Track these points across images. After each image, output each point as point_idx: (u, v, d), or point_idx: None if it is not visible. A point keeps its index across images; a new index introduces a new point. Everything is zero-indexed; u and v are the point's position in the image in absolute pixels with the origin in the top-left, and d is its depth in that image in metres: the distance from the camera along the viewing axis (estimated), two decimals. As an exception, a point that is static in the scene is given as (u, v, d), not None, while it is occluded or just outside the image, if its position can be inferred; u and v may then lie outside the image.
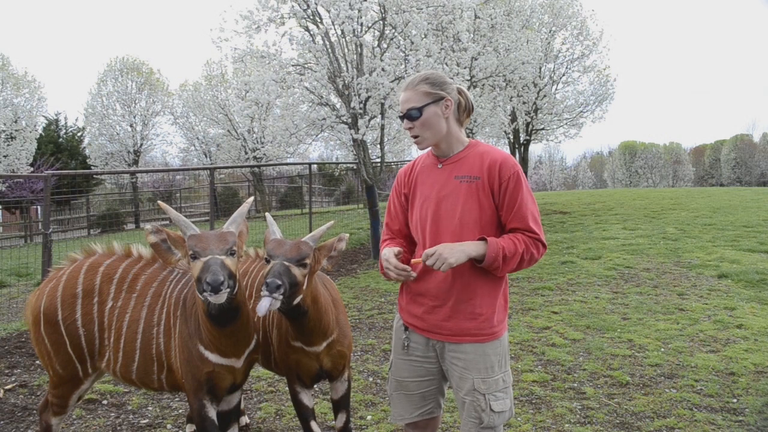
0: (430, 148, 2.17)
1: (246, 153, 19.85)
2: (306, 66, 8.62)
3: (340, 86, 8.43)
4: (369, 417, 3.61)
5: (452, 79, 2.14)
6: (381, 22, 8.44)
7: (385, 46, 8.63)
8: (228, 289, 2.14)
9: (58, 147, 25.04)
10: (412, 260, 2.12)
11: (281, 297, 2.11)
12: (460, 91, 2.12)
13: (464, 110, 2.14)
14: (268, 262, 2.26)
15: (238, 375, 2.56)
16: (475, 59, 10.70)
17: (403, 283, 2.21)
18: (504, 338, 2.11)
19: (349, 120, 8.58)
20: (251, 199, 2.84)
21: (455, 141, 2.12)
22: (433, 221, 2.11)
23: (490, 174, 2.02)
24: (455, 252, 1.95)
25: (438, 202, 2.09)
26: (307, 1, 8.11)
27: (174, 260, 2.41)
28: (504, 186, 2.00)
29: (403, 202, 2.25)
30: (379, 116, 8.72)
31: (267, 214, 2.71)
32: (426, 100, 2.04)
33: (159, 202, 2.59)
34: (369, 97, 8.37)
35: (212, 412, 2.54)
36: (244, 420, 3.58)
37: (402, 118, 2.11)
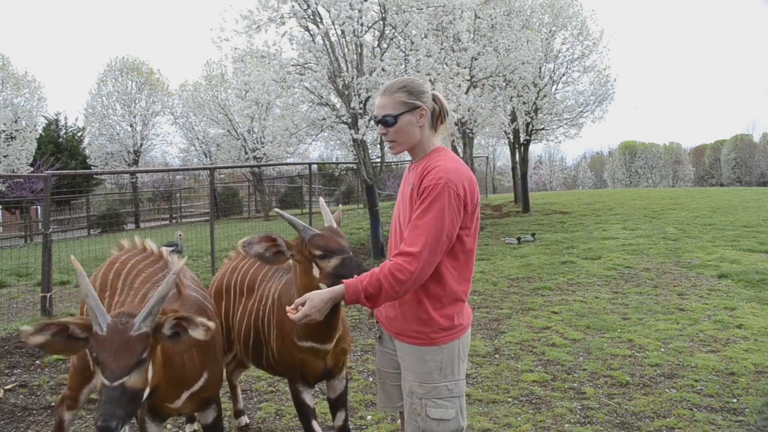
0: (404, 152, 2.22)
1: (246, 153, 19.84)
2: (306, 66, 8.62)
3: (340, 86, 8.43)
4: (369, 417, 3.61)
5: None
6: (381, 22, 8.44)
7: (385, 46, 8.63)
8: (126, 426, 1.82)
9: (58, 147, 25.02)
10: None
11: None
12: (435, 99, 2.13)
13: (438, 117, 2.14)
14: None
15: (181, 409, 2.44)
16: (475, 59, 10.69)
17: None
18: (450, 347, 2.07)
19: (349, 120, 8.58)
20: (182, 262, 2.26)
21: (422, 148, 2.14)
22: (393, 225, 2.22)
23: (420, 182, 2.02)
24: (317, 307, 1.97)
25: (398, 205, 2.19)
26: (307, 1, 8.11)
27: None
28: (420, 195, 1.98)
29: None
30: (379, 116, 8.70)
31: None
32: (401, 109, 2.07)
33: (76, 269, 1.98)
34: (369, 97, 8.36)
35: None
36: (244, 420, 3.58)
37: (377, 122, 2.14)
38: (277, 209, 2.56)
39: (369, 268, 2.22)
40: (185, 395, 2.28)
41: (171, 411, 2.36)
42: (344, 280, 2.01)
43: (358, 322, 5.75)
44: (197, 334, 1.94)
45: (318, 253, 2.34)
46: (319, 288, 2.35)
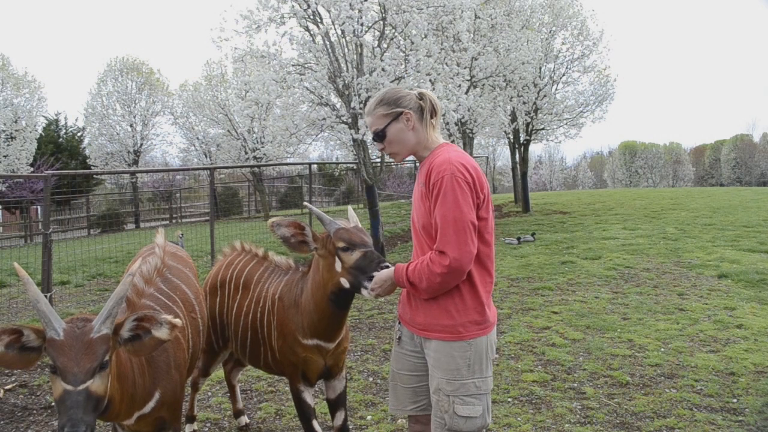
0: (409, 158, 2.29)
1: (246, 153, 19.83)
2: (306, 66, 8.62)
3: (340, 86, 8.43)
4: (369, 417, 3.61)
5: (410, 89, 2.14)
6: (381, 22, 8.44)
7: (385, 46, 8.63)
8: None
9: (58, 147, 25.01)
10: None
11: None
12: (421, 96, 2.17)
13: (429, 112, 2.18)
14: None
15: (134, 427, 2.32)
16: (475, 59, 10.69)
17: None
18: (476, 343, 2.08)
19: (349, 120, 8.58)
20: (133, 274, 2.01)
21: (425, 148, 2.19)
22: (412, 225, 2.26)
23: (426, 180, 2.07)
24: (385, 285, 2.19)
25: (413, 206, 2.23)
26: (307, 1, 8.11)
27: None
28: (431, 193, 2.03)
29: None
30: (379, 116, 8.70)
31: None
32: (386, 121, 2.14)
33: (21, 276, 1.84)
34: (369, 97, 8.36)
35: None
36: (244, 420, 3.58)
37: (373, 140, 2.23)
38: (306, 203, 2.61)
39: (389, 263, 2.28)
40: (136, 415, 2.17)
41: (129, 427, 2.26)
42: (397, 264, 2.14)
43: (357, 322, 5.75)
44: (161, 333, 1.86)
45: (341, 245, 2.39)
46: (339, 284, 2.42)
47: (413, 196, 2.25)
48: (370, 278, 2.25)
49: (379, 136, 2.16)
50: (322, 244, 2.49)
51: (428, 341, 2.13)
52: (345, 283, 2.38)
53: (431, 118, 2.18)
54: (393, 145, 2.17)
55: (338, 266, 2.40)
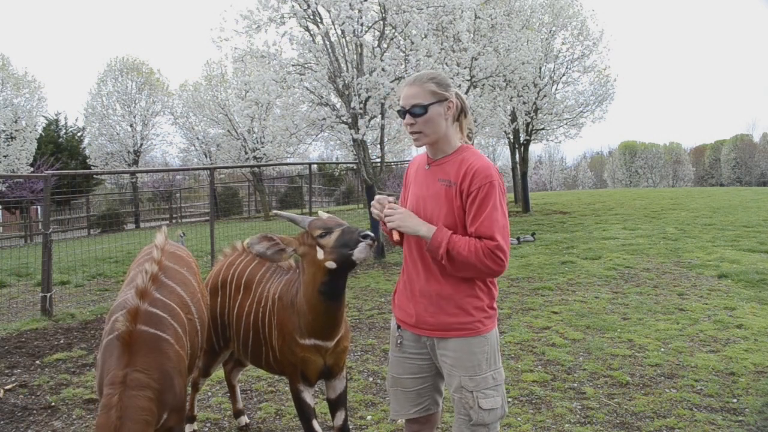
0: (425, 146, 2.23)
1: (246, 153, 19.84)
2: (306, 66, 8.63)
3: (340, 86, 8.44)
4: (369, 417, 3.61)
5: (452, 80, 2.13)
6: (381, 22, 8.45)
7: (385, 46, 8.63)
8: None
9: (58, 147, 25.01)
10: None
11: None
12: (457, 95, 2.18)
13: (461, 113, 2.19)
14: None
15: None
16: (475, 59, 10.70)
17: (398, 281, 2.32)
18: (490, 336, 2.13)
19: (349, 120, 8.58)
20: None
21: (447, 143, 2.16)
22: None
23: (463, 181, 2.05)
24: (409, 224, 2.08)
25: (425, 201, 2.18)
26: (307, 1, 8.11)
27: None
28: (473, 195, 2.02)
29: (405, 196, 2.38)
30: (379, 116, 8.72)
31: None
32: (432, 99, 2.09)
33: None
34: (369, 97, 8.37)
35: None
36: (244, 420, 3.58)
37: (404, 113, 2.13)
38: (275, 210, 2.62)
39: (370, 233, 2.28)
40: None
41: None
42: (439, 225, 2.07)
43: (357, 322, 5.75)
44: None
45: (318, 232, 2.41)
46: (326, 269, 2.42)
47: (425, 191, 2.18)
48: (354, 246, 2.28)
49: (419, 111, 2.08)
50: (300, 242, 2.51)
51: (445, 341, 2.12)
52: (331, 264, 2.38)
53: (460, 118, 2.19)
54: (427, 126, 2.10)
55: (320, 254, 2.41)
